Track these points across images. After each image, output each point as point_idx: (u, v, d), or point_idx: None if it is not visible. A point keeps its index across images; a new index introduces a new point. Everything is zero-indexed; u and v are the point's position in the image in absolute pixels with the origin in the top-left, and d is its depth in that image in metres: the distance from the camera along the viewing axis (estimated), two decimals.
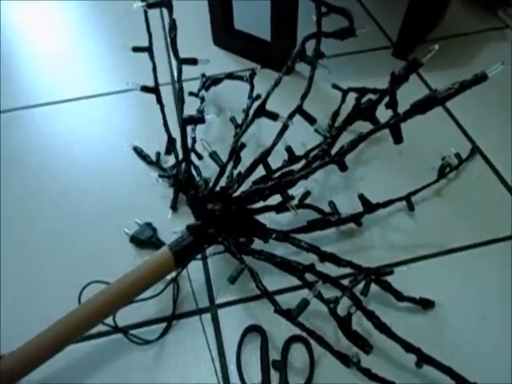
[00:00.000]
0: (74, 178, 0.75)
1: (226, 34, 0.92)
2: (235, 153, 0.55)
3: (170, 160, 0.70)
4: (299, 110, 0.56)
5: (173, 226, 0.61)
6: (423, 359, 0.49)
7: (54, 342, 0.48)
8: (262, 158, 0.55)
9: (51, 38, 1.04)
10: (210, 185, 0.54)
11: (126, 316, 0.56)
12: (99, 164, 0.77)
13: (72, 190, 0.73)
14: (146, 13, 0.57)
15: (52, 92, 0.90)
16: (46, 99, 0.89)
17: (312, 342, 0.51)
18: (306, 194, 0.63)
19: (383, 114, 0.50)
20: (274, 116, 0.52)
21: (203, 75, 0.84)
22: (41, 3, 1.14)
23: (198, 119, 0.53)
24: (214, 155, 0.59)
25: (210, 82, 0.79)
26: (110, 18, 1.08)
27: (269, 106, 0.62)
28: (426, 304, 0.57)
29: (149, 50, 0.59)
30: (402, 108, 0.47)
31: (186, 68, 0.70)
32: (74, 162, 0.77)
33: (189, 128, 0.76)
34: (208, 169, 0.71)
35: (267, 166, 0.56)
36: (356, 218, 0.64)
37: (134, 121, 0.84)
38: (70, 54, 1.00)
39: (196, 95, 0.80)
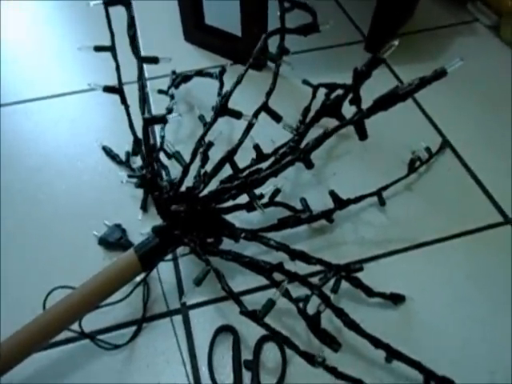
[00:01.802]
0: (42, 178, 0.73)
1: (196, 29, 0.91)
2: (201, 153, 0.54)
3: (139, 160, 0.69)
4: (265, 108, 0.55)
5: (143, 227, 0.60)
6: (392, 354, 0.49)
7: (18, 350, 0.46)
8: (228, 157, 0.54)
9: (19, 37, 1.01)
10: (176, 185, 0.53)
11: (94, 320, 0.54)
12: (68, 164, 0.75)
13: (40, 191, 0.71)
14: (106, 11, 0.56)
15: (21, 90, 0.88)
16: (15, 98, 0.86)
17: None
18: (276, 191, 0.63)
19: (352, 110, 0.49)
20: (237, 114, 0.51)
21: (173, 72, 0.83)
22: (6, 2, 1.11)
23: (160, 119, 0.52)
24: (177, 155, 0.58)
25: (179, 79, 0.78)
26: (80, 15, 1.05)
27: (242, 104, 0.61)
28: (396, 299, 0.58)
29: (111, 48, 0.57)
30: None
31: (157, 65, 0.69)
32: (43, 162, 0.75)
33: (158, 127, 0.75)
34: (178, 168, 0.70)
35: (234, 165, 0.55)
36: (327, 215, 0.63)
37: (103, 119, 0.82)
38: (39, 52, 0.97)
39: (165, 93, 0.78)
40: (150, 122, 0.52)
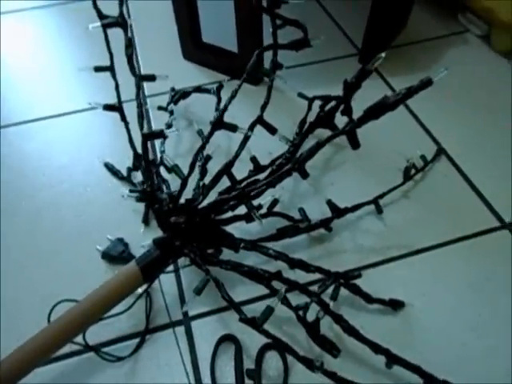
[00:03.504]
0: (47, 195, 0.74)
1: (194, 47, 0.93)
2: (200, 166, 0.56)
3: (140, 175, 0.71)
4: (260, 121, 0.57)
5: (145, 241, 0.61)
6: (392, 359, 0.50)
7: (23, 364, 0.47)
8: (226, 169, 0.55)
9: (20, 59, 1.04)
10: (175, 198, 0.55)
11: (97, 333, 0.55)
12: (72, 181, 0.77)
13: (45, 208, 0.72)
14: (105, 33, 0.58)
15: (23, 111, 0.90)
16: (18, 119, 0.89)
17: None
18: (274, 202, 0.64)
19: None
20: (232, 128, 0.53)
21: (172, 89, 0.85)
22: (7, 21, 1.14)
23: (158, 134, 0.53)
24: (175, 169, 0.60)
25: (178, 95, 0.80)
26: (80, 37, 1.08)
27: (240, 118, 0.63)
28: (395, 305, 0.58)
29: (110, 69, 0.59)
30: None
31: (157, 83, 0.71)
32: (47, 181, 0.77)
33: (158, 142, 0.77)
34: (179, 182, 0.71)
35: (231, 177, 0.56)
36: (325, 224, 0.64)
37: (105, 137, 0.84)
38: (40, 73, 1.00)
39: (165, 109, 0.80)
40: (148, 137, 0.54)
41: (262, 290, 0.54)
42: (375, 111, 0.45)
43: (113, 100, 0.67)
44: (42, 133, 0.86)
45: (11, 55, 1.05)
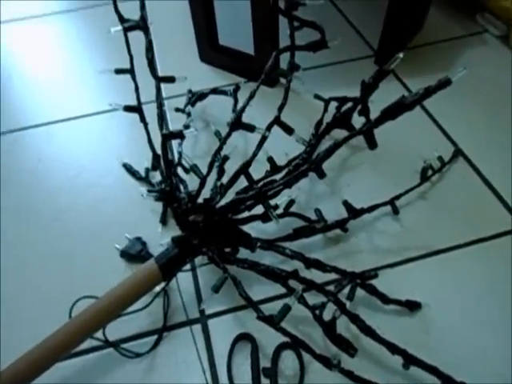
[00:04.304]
0: (67, 196, 0.76)
1: (211, 50, 0.95)
2: (217, 166, 0.57)
3: (158, 176, 0.72)
4: (277, 121, 0.58)
5: (163, 240, 0.62)
6: (409, 360, 0.49)
7: (45, 359, 0.49)
8: (243, 169, 0.56)
9: (40, 60, 1.07)
10: (193, 197, 0.56)
11: (117, 329, 0.57)
12: (91, 182, 0.78)
13: (65, 208, 0.74)
14: (125, 36, 0.59)
15: (42, 113, 0.92)
16: (38, 121, 0.91)
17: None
18: (291, 202, 0.64)
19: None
20: (250, 128, 0.54)
21: (190, 91, 0.86)
22: (30, 25, 1.17)
23: (177, 134, 0.54)
24: (194, 168, 0.61)
25: (195, 97, 0.81)
26: (101, 36, 1.10)
27: (257, 119, 0.64)
28: (412, 306, 0.58)
29: (131, 71, 0.61)
30: None
31: (174, 85, 0.72)
32: (67, 181, 0.79)
33: (175, 143, 0.78)
34: (197, 182, 0.72)
35: (249, 177, 0.57)
36: (341, 224, 0.65)
37: (123, 138, 0.86)
38: (61, 76, 1.02)
39: (182, 111, 0.81)
40: (168, 137, 0.55)
41: (278, 289, 0.55)
42: (392, 111, 0.45)
43: (129, 102, 0.68)
44: (62, 134, 0.88)
45: (32, 59, 1.08)
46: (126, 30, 0.58)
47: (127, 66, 0.65)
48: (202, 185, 0.56)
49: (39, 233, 0.71)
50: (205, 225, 0.53)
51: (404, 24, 0.91)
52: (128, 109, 0.63)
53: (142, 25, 0.57)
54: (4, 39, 1.14)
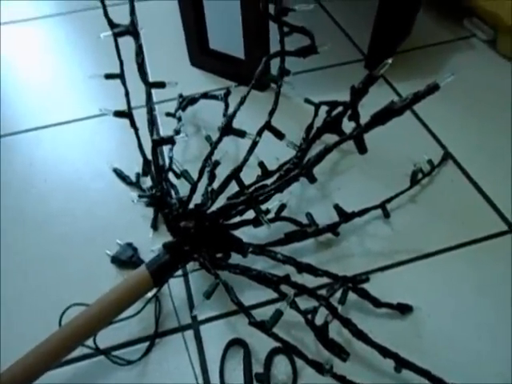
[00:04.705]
0: (56, 201, 0.75)
1: (201, 54, 0.95)
2: (208, 171, 0.57)
3: (149, 181, 0.72)
4: (268, 126, 0.58)
5: (154, 246, 0.62)
6: (401, 363, 0.50)
7: (35, 367, 0.48)
8: (234, 175, 0.56)
9: (30, 64, 1.06)
10: (184, 203, 0.55)
11: (108, 337, 0.56)
12: (81, 187, 0.78)
13: (54, 214, 0.73)
14: (116, 41, 0.59)
15: (32, 118, 0.92)
16: (28, 125, 0.90)
17: None
18: (282, 206, 0.64)
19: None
20: (241, 133, 0.54)
21: (180, 96, 0.86)
22: (20, 28, 1.16)
23: (168, 140, 0.54)
24: (185, 174, 0.60)
25: (186, 102, 0.81)
26: (91, 40, 1.10)
27: (247, 124, 0.64)
28: (403, 309, 0.58)
29: (120, 76, 0.60)
30: None
31: (165, 89, 0.72)
32: (56, 186, 0.78)
33: (166, 148, 0.78)
34: (187, 187, 0.72)
35: (240, 182, 0.57)
36: (333, 228, 0.65)
37: (113, 143, 0.85)
38: (50, 80, 1.01)
39: (173, 115, 0.81)
40: (158, 143, 0.55)
41: (269, 294, 0.55)
42: (382, 116, 0.46)
43: (119, 107, 0.68)
44: (51, 139, 0.87)
45: (20, 63, 1.07)
46: (116, 36, 0.58)
47: (117, 70, 0.65)
48: (193, 190, 0.56)
49: (26, 239, 0.70)
50: (196, 230, 0.53)
51: (393, 28, 0.92)
52: (118, 114, 0.63)
53: (132, 30, 0.57)
54: None
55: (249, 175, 0.64)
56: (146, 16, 1.12)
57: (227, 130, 0.53)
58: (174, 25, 0.96)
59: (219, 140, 0.55)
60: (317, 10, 1.15)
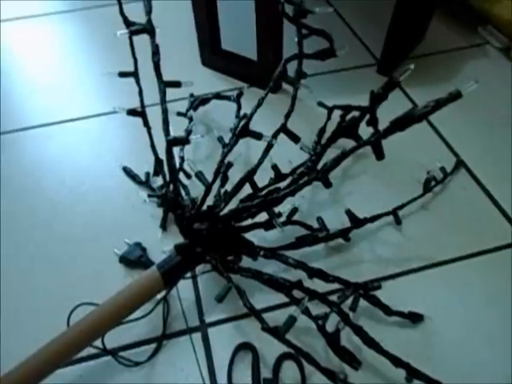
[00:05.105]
0: (65, 198, 0.75)
1: (213, 54, 0.94)
2: (221, 173, 0.56)
3: (159, 180, 0.71)
4: (283, 129, 0.57)
5: (162, 246, 0.61)
6: (412, 373, 0.49)
7: (43, 366, 0.47)
8: (248, 177, 0.55)
9: (41, 61, 1.06)
10: (197, 204, 0.55)
11: (116, 337, 0.55)
12: (90, 185, 0.77)
13: (63, 211, 0.73)
14: (131, 40, 0.59)
15: (43, 114, 0.91)
16: (38, 121, 0.90)
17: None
18: (294, 210, 0.64)
19: (368, 130, 0.51)
20: (258, 136, 0.53)
21: (191, 95, 0.85)
22: (29, 25, 1.16)
23: (182, 140, 0.54)
24: (199, 175, 0.60)
25: (197, 102, 0.80)
26: (102, 39, 1.09)
27: (258, 125, 0.63)
28: (415, 318, 0.58)
29: (134, 74, 0.60)
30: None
31: (177, 89, 0.71)
32: (65, 183, 0.78)
33: (177, 148, 0.77)
34: (197, 188, 0.72)
35: (254, 185, 0.57)
36: (344, 234, 0.64)
37: (124, 141, 0.85)
38: (60, 76, 1.01)
39: (184, 115, 0.81)
40: (173, 143, 0.54)
41: (280, 298, 0.54)
42: (402, 123, 0.45)
43: (129, 105, 0.68)
44: (61, 136, 0.87)
45: (31, 59, 1.06)
46: (132, 34, 0.57)
47: (128, 67, 0.65)
48: (207, 192, 0.56)
49: (34, 237, 0.70)
50: (208, 232, 0.52)
51: (407, 34, 0.91)
52: (131, 113, 0.63)
53: (149, 29, 0.57)
54: (3, 38, 1.13)
55: (261, 177, 0.63)
56: (158, 15, 1.13)
57: (245, 132, 0.53)
58: (187, 24, 0.95)
59: (236, 142, 0.54)
60: (329, 13, 1.14)
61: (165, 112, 0.59)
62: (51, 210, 0.73)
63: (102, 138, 0.86)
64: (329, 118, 0.75)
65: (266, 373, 0.54)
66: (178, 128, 0.84)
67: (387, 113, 0.49)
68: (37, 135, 0.87)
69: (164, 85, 0.60)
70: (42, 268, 0.66)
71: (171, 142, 0.53)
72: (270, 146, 0.57)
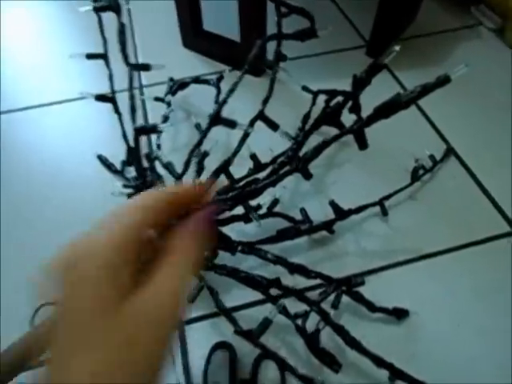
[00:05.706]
0: (37, 185, 0.72)
1: (194, 35, 0.89)
2: (197, 163, 0.52)
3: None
4: (261, 116, 0.53)
5: None
6: (395, 374, 0.47)
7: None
8: (224, 168, 0.52)
9: (19, 46, 1.00)
10: None
11: None
12: (63, 172, 0.74)
13: (34, 198, 0.70)
14: (99, 17, 0.54)
15: (21, 98, 0.87)
16: (16, 105, 0.85)
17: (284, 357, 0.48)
18: (275, 201, 0.61)
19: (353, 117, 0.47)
20: (231, 124, 0.49)
21: (171, 79, 0.81)
22: (7, 14, 1.10)
23: (151, 129, 0.50)
24: (169, 166, 0.56)
25: (176, 86, 0.76)
26: (81, 25, 1.04)
27: (239, 110, 0.59)
28: (399, 313, 0.55)
29: (104, 56, 0.55)
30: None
31: (155, 72, 0.67)
32: (37, 170, 0.74)
33: (154, 135, 0.74)
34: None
35: (229, 176, 0.53)
36: (328, 226, 0.61)
37: (101, 126, 0.81)
38: (36, 59, 0.96)
39: (162, 100, 0.76)
40: (141, 131, 0.50)
41: (258, 294, 0.51)
42: (386, 110, 0.41)
43: (107, 89, 0.63)
44: (39, 120, 0.83)
45: (7, 43, 1.01)
46: (96, 11, 0.53)
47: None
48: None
49: (4, 222, 0.66)
50: None
51: (398, 14, 0.87)
52: (100, 98, 0.58)
53: (114, 5, 0.52)
54: None
55: (240, 165, 0.60)
56: None
57: (216, 120, 0.49)
58: (167, 4, 0.90)
59: (207, 130, 0.50)
60: None
61: (132, 98, 0.54)
62: (20, 197, 0.70)
63: (77, 123, 0.83)
64: (313, 103, 0.72)
65: (244, 373, 0.52)
66: (156, 113, 0.81)
67: (376, 98, 0.45)
68: (14, 119, 0.83)
69: (131, 67, 0.56)
70: (9, 255, 0.62)
71: (139, 131, 0.49)
72: (246, 135, 0.53)
